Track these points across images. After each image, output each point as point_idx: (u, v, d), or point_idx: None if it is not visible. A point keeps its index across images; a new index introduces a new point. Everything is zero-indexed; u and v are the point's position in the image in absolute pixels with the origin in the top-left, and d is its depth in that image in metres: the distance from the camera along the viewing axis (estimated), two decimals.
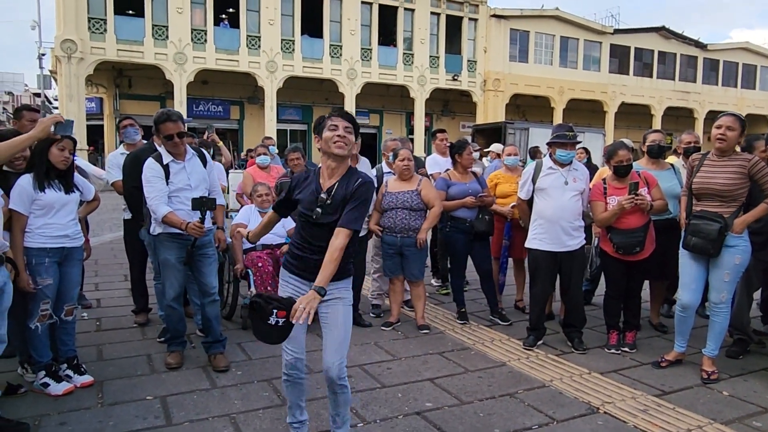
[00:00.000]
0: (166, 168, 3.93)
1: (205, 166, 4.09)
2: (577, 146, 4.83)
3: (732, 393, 3.75)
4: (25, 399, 3.53)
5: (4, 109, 56.18)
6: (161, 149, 4.00)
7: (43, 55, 28.11)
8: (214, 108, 26.58)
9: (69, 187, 3.71)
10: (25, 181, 3.46)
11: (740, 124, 3.86)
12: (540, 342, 4.67)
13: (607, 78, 32.75)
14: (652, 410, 3.47)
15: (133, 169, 4.70)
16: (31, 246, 3.45)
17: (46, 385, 3.59)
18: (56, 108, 37.92)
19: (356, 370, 4.08)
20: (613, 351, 4.51)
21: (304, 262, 2.70)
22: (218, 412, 3.36)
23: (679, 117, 35.74)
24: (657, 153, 4.88)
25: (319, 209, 2.62)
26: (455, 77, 29.23)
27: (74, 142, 3.78)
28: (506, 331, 5.08)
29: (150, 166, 3.93)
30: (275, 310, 2.40)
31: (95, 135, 24.95)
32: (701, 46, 35.62)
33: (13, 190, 3.40)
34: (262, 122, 25.64)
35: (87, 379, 3.74)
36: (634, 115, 34.05)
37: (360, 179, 2.64)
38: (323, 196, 2.63)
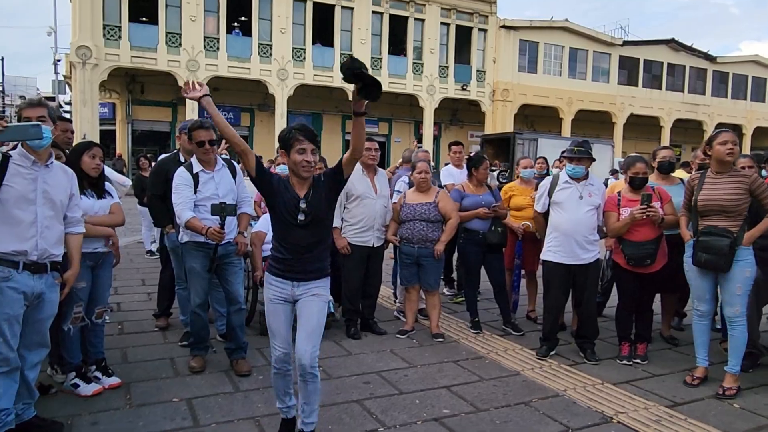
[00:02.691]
0: (195, 177, 4.07)
1: (234, 177, 4.22)
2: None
3: (743, 405, 3.84)
4: (56, 399, 3.66)
5: (17, 113, 56.73)
6: (193, 159, 4.15)
7: (59, 60, 28.51)
8: (225, 115, 26.72)
9: (101, 193, 3.86)
10: None
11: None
12: (553, 352, 4.77)
13: (616, 89, 32.86)
14: (665, 421, 3.56)
15: (156, 179, 4.86)
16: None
17: (76, 386, 3.72)
18: (68, 113, 38.36)
19: (374, 376, 4.19)
20: (624, 362, 4.60)
21: (289, 264, 2.96)
22: (243, 415, 3.48)
23: (688, 129, 35.76)
24: (667, 169, 4.99)
25: (301, 215, 2.90)
26: (464, 87, 29.41)
27: (103, 150, 3.92)
28: (519, 341, 5.17)
29: (180, 175, 4.09)
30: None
31: (107, 140, 25.23)
32: (710, 58, 35.68)
33: None
34: (272, 129, 25.83)
35: (115, 380, 3.87)
36: (642, 126, 34.09)
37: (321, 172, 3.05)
38: (302, 204, 2.91)
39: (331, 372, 4.25)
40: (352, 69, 2.54)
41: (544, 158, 7.47)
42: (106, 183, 4.04)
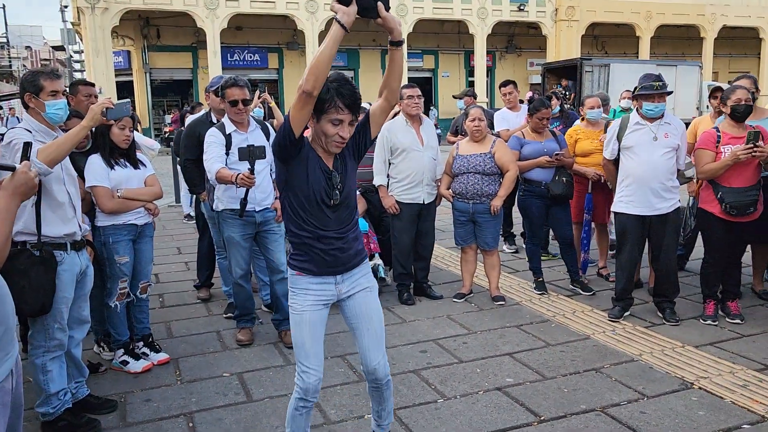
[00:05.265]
0: (228, 138, 4.31)
1: (268, 139, 4.43)
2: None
3: None
4: (107, 377, 4.06)
5: (24, 66, 58.57)
6: (225, 119, 4.38)
7: (66, 7, 29.15)
8: (251, 57, 27.02)
9: (134, 163, 4.14)
10: (96, 158, 3.90)
11: None
12: (627, 313, 4.89)
13: None
14: (753, 385, 3.67)
15: (189, 141, 5.13)
16: (105, 224, 3.91)
17: (126, 363, 4.11)
18: (78, 63, 39.38)
19: (431, 344, 4.44)
20: (709, 322, 4.68)
21: (329, 255, 2.62)
22: None
23: None
24: (743, 115, 4.57)
25: (337, 192, 2.58)
26: (521, 7, 28.47)
27: (133, 119, 4.18)
28: (589, 301, 5.31)
29: (212, 134, 4.35)
30: None
31: (124, 92, 25.92)
32: None
33: (87, 169, 3.84)
34: (303, 70, 25.47)
35: (163, 356, 4.26)
36: (738, 40, 32.37)
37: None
38: (336, 176, 2.59)
39: (385, 341, 4.50)
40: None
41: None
42: (140, 154, 4.33)
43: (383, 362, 2.79)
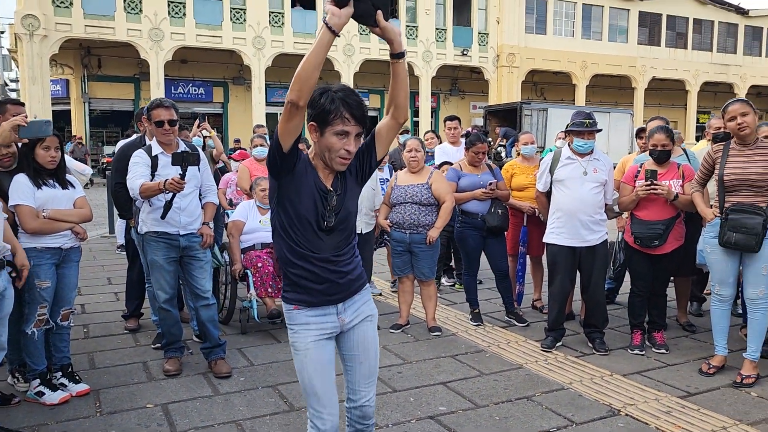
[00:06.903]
0: (154, 159, 4.22)
1: (197, 163, 4.36)
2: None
3: (761, 394, 4.04)
4: (20, 409, 3.81)
5: None
6: (153, 142, 4.30)
7: (2, 32, 28.39)
8: (195, 90, 26.84)
9: (63, 183, 4.00)
10: (22, 176, 3.75)
11: (749, 105, 4.16)
12: (559, 343, 4.96)
13: (635, 50, 32.95)
14: (676, 412, 3.76)
15: (120, 164, 5.00)
16: (27, 247, 3.72)
17: (41, 394, 3.87)
18: (14, 91, 38.26)
19: None
20: (636, 352, 4.80)
21: (329, 282, 2.40)
22: (224, 419, 3.66)
23: (717, 93, 35.93)
24: (658, 158, 4.79)
25: (333, 214, 2.37)
26: (465, 52, 29.45)
27: (59, 138, 4.05)
28: (523, 332, 5.37)
29: (137, 155, 4.26)
30: None
31: (61, 121, 25.22)
32: (742, 11, 35.79)
33: (12, 187, 3.68)
34: (249, 105, 25.90)
35: (83, 387, 4.03)
36: (666, 91, 34.30)
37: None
38: (333, 200, 2.37)
39: None
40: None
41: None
42: (68, 175, 4.19)
43: (373, 399, 2.56)
